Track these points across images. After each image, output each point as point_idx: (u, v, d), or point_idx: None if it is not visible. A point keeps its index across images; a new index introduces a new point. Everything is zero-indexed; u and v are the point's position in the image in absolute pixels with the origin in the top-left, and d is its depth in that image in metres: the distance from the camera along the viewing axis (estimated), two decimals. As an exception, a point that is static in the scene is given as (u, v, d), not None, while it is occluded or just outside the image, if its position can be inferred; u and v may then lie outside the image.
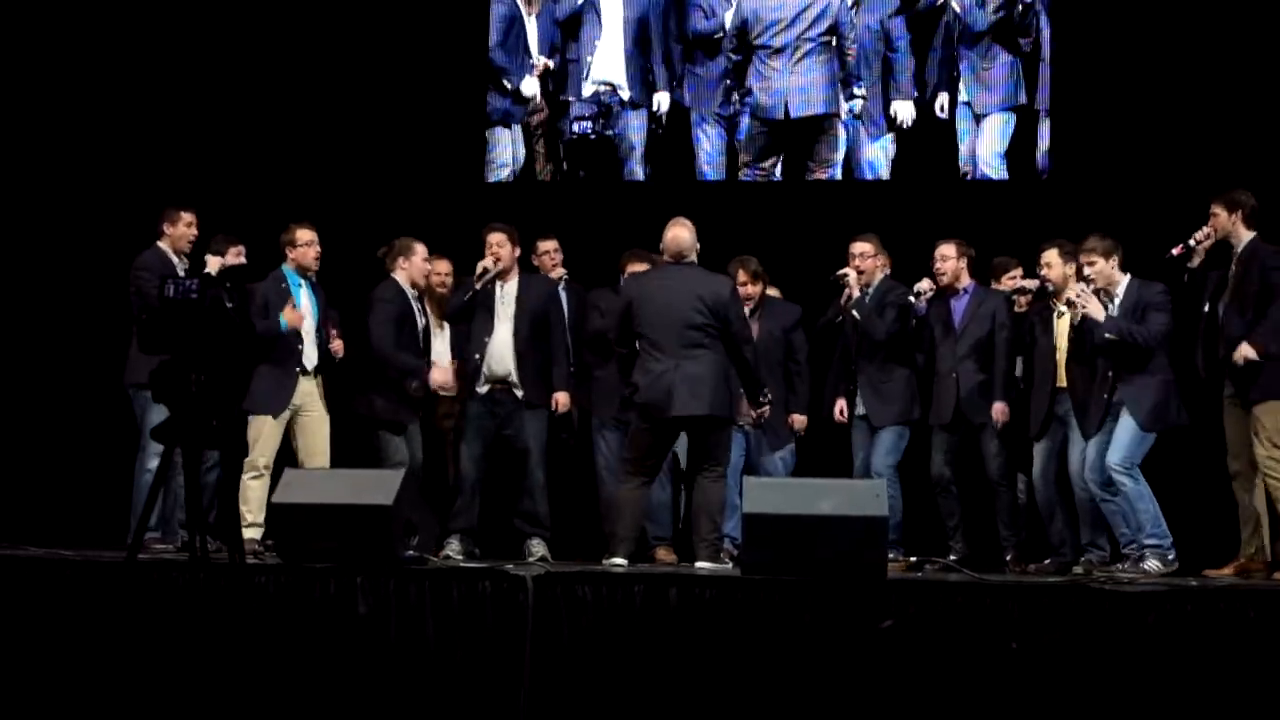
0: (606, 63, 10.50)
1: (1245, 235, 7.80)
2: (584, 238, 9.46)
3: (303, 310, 8.33)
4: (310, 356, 8.38)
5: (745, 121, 10.33)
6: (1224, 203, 7.83)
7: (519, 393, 8.33)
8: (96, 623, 6.75)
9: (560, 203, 10.26)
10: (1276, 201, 8.44)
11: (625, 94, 10.48)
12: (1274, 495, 7.62)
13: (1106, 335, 7.67)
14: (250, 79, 10.52)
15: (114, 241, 9.63)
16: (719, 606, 6.61)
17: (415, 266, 8.51)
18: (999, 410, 8.36)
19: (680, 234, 7.93)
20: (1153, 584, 6.95)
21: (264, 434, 8.19)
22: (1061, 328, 8.13)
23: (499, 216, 8.64)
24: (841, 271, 8.58)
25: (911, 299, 8.45)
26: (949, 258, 8.54)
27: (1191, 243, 7.87)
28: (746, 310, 8.40)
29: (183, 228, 8.52)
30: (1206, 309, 7.88)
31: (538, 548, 8.24)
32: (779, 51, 10.28)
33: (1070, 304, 7.87)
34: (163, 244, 8.52)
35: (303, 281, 8.42)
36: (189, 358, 5.95)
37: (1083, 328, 7.87)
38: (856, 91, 10.20)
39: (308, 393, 8.37)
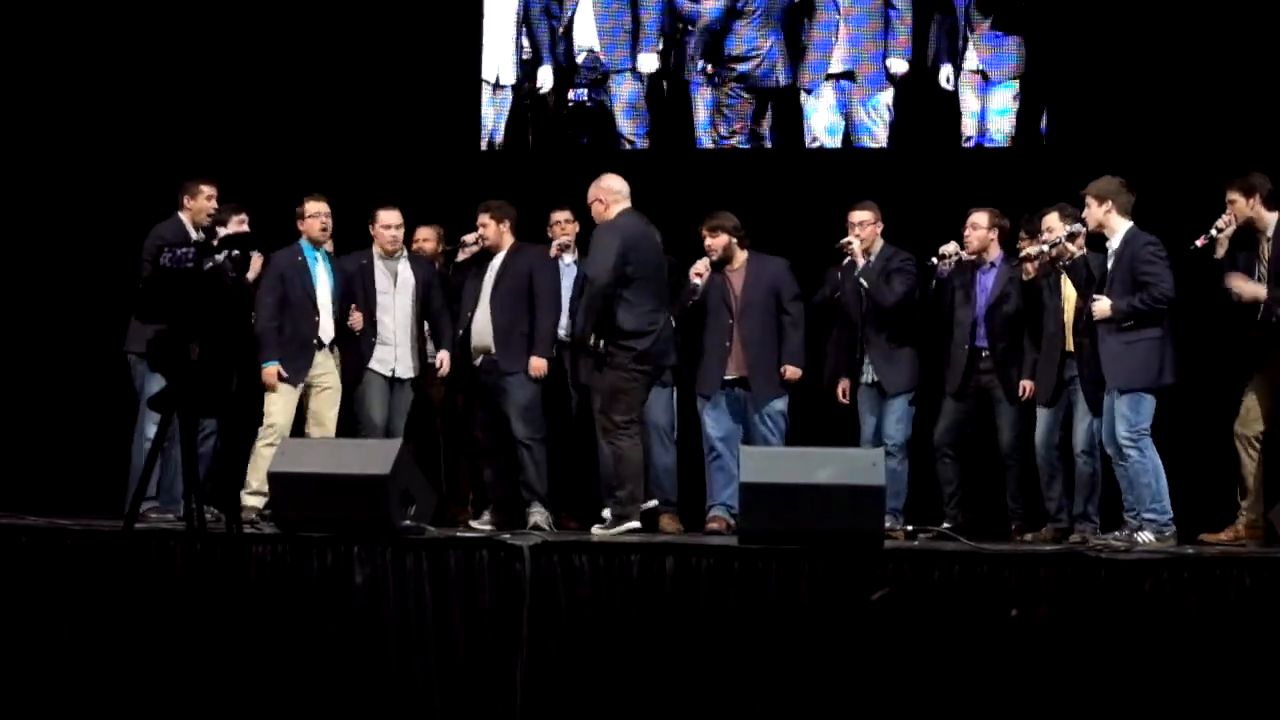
0: (583, 28, 10.46)
1: (1270, 217, 7.76)
2: (580, 206, 9.46)
3: (319, 283, 8.36)
4: (327, 330, 8.38)
5: (722, 87, 10.32)
6: (1240, 188, 7.78)
7: (500, 364, 8.38)
8: (94, 591, 6.78)
9: (554, 171, 10.22)
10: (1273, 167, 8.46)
11: (603, 59, 10.43)
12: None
13: (1126, 325, 7.57)
14: (251, 48, 10.46)
15: (118, 209, 9.62)
16: (716, 575, 6.63)
17: (376, 230, 8.53)
18: (1028, 387, 8.31)
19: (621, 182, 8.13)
20: (1149, 551, 6.97)
21: (280, 402, 8.17)
22: (1069, 293, 8.08)
23: (493, 184, 8.64)
24: (845, 240, 8.55)
25: (935, 260, 8.40)
26: (979, 227, 8.44)
27: (1214, 232, 7.79)
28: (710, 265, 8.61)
29: (202, 200, 8.44)
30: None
31: (535, 515, 8.23)
32: (746, 17, 10.26)
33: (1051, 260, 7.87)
34: (183, 215, 8.46)
35: (318, 254, 8.41)
36: (186, 326, 5.93)
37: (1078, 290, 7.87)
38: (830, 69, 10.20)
39: (322, 364, 8.38)
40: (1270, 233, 7.77)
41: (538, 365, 8.33)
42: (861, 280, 8.49)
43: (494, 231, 8.49)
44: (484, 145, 10.53)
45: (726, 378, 8.60)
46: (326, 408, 8.38)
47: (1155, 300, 7.51)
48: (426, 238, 8.99)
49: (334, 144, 10.30)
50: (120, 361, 8.49)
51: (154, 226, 8.38)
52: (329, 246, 8.61)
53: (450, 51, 10.55)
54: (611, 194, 8.06)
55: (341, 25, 10.47)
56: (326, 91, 10.43)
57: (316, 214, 8.39)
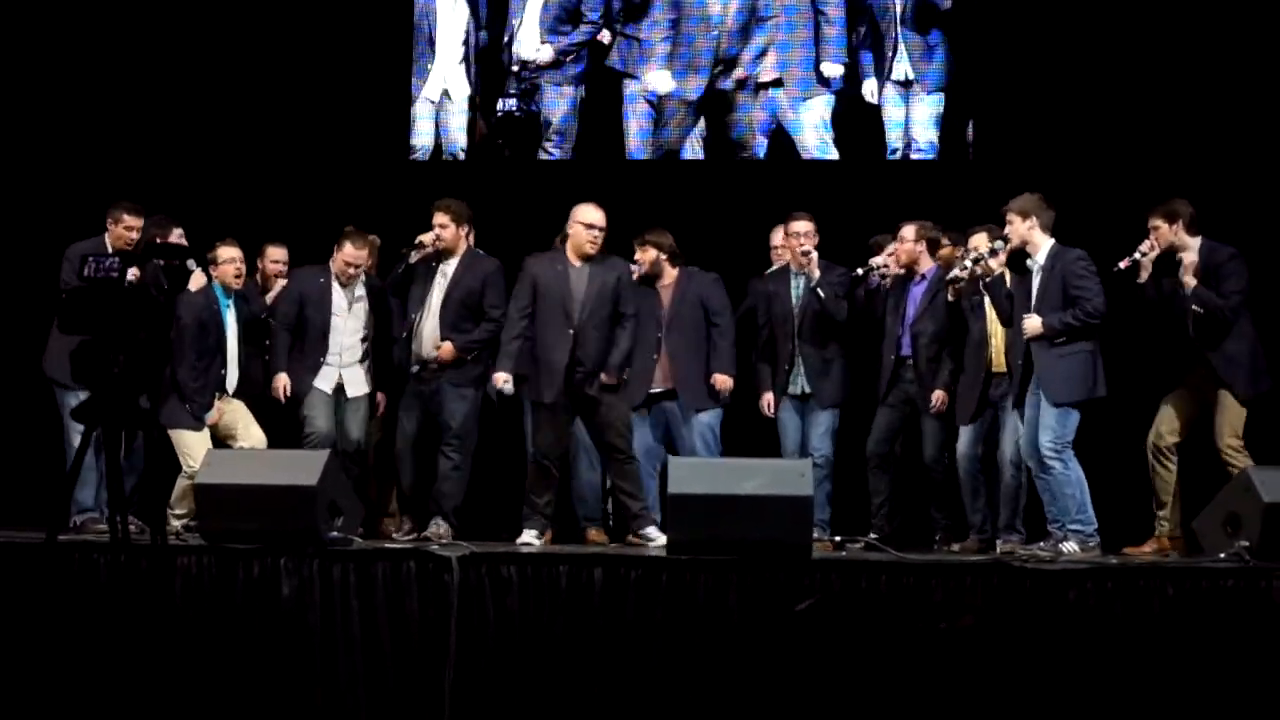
0: (528, 38, 10.44)
1: (1192, 242, 7.86)
2: (508, 217, 9.46)
3: (230, 332, 8.35)
4: (232, 380, 8.38)
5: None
6: (1163, 214, 7.87)
7: (450, 375, 8.29)
8: (15, 604, 6.70)
9: (484, 181, 10.19)
10: (1200, 179, 8.54)
11: (549, 72, 10.42)
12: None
13: (1059, 340, 7.63)
14: (177, 57, 10.38)
15: (43, 227, 9.53)
16: (643, 586, 6.64)
17: (338, 258, 8.48)
18: (938, 398, 8.36)
19: None
20: (1073, 562, 7.03)
21: (189, 443, 8.12)
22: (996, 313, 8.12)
23: (424, 194, 8.60)
24: (804, 250, 8.55)
25: (864, 270, 8.42)
26: (907, 240, 8.48)
27: (1137, 256, 7.88)
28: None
29: (121, 229, 8.33)
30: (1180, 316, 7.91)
31: (435, 526, 8.14)
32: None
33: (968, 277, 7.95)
34: (107, 237, 8.38)
35: (230, 301, 8.35)
36: (109, 337, 5.88)
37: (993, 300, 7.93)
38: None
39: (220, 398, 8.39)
40: (1192, 256, 7.86)
41: (446, 349, 8.26)
42: (819, 291, 8.50)
43: (452, 234, 8.34)
44: (415, 156, 10.50)
45: (653, 390, 8.61)
46: (240, 421, 8.33)
47: (1088, 315, 7.58)
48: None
49: (265, 155, 10.25)
50: (41, 377, 8.41)
51: (74, 244, 8.30)
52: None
53: (380, 63, 10.50)
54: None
55: (272, 38, 10.40)
56: (256, 103, 10.36)
57: (230, 259, 8.34)
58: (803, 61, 10.16)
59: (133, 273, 7.85)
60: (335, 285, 8.48)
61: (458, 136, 10.47)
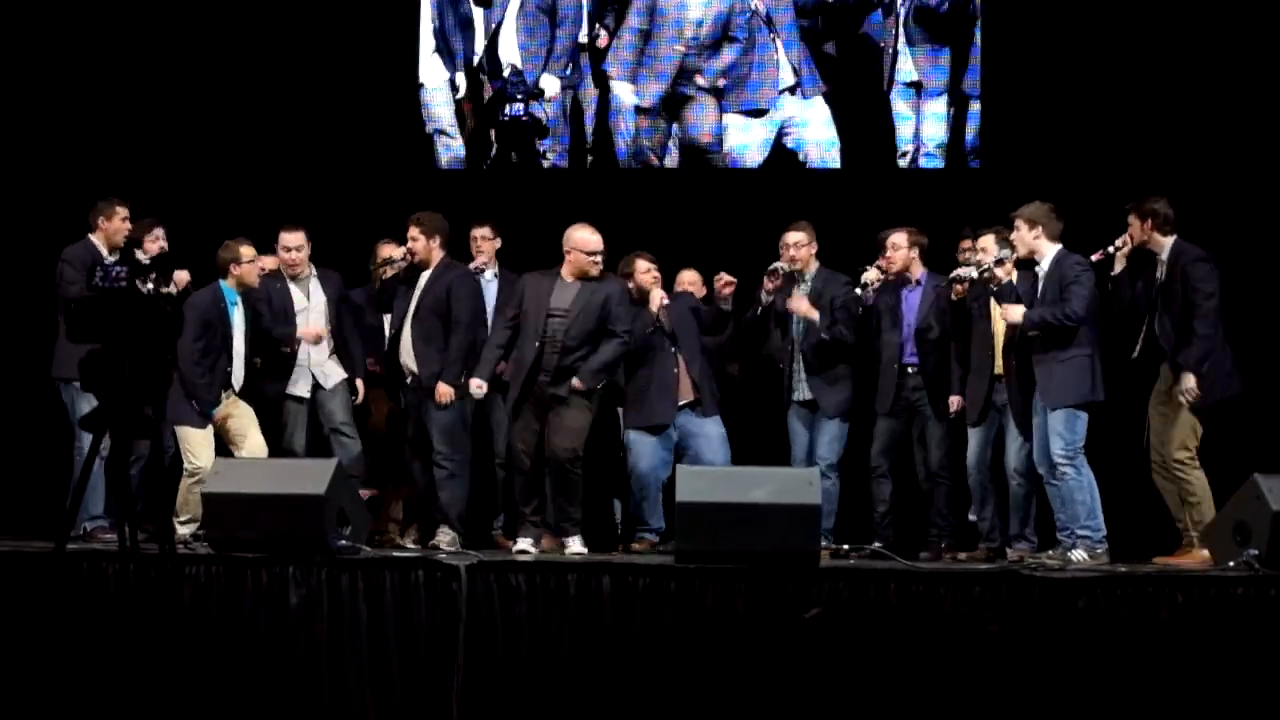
0: (506, 44, 10.44)
1: (1165, 241, 7.85)
2: (508, 223, 9.46)
3: (236, 329, 8.35)
4: (238, 377, 8.36)
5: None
6: (1136, 212, 7.88)
7: (423, 382, 8.25)
8: (25, 613, 6.71)
9: (486, 188, 10.20)
10: (1197, 187, 8.53)
11: (527, 77, 10.40)
12: (1183, 490, 7.80)
13: (1030, 333, 7.66)
14: (185, 64, 10.39)
15: (43, 232, 9.53)
16: (652, 594, 6.64)
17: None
18: (956, 403, 8.35)
19: None
20: (1082, 570, 7.03)
21: (193, 441, 8.12)
22: (999, 315, 8.10)
23: (432, 203, 8.61)
24: (778, 265, 8.54)
25: (859, 290, 8.43)
26: (900, 246, 8.47)
27: (1111, 249, 7.90)
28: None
29: (118, 222, 8.39)
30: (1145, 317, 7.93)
31: (441, 537, 8.13)
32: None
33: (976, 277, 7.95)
34: (94, 237, 8.40)
35: (238, 298, 8.36)
36: (118, 346, 5.88)
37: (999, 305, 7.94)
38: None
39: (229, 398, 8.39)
40: (1164, 255, 7.85)
41: (443, 391, 8.17)
42: (823, 336, 8.46)
43: (423, 246, 8.33)
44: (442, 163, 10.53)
45: (681, 404, 8.62)
46: (247, 426, 8.34)
47: (1065, 316, 7.59)
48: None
49: (277, 161, 10.26)
50: (48, 386, 8.41)
51: (64, 250, 8.30)
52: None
53: (388, 64, 10.51)
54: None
55: (278, 43, 10.41)
56: (260, 111, 10.37)
57: (253, 258, 8.36)
58: (805, 70, 10.18)
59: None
60: (291, 285, 8.55)
61: (443, 120, 10.50)
